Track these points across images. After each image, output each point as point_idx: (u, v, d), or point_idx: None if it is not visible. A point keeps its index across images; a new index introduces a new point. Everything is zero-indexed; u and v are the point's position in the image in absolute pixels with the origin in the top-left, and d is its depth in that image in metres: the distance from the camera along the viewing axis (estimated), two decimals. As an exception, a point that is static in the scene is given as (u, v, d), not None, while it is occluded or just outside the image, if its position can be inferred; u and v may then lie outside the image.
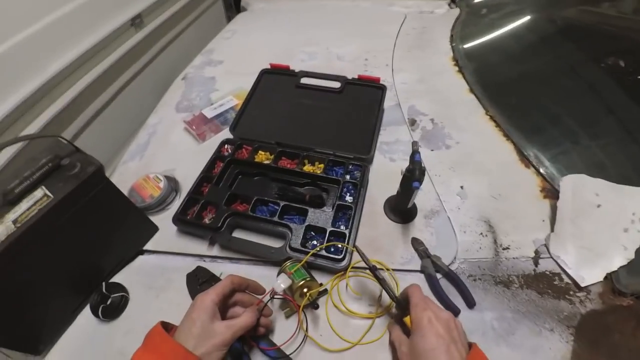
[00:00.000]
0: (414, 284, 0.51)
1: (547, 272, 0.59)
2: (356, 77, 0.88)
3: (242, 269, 0.62)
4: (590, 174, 0.65)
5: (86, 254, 0.57)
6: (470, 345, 0.44)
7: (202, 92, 1.02)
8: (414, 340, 0.44)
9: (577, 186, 0.64)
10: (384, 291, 0.56)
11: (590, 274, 0.57)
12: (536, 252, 0.62)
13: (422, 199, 0.70)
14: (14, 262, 0.45)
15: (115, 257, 0.62)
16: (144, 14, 1.27)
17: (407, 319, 0.47)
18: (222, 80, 1.07)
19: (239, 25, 1.38)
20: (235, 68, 1.12)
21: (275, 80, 0.93)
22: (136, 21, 1.24)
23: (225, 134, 0.87)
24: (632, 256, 0.56)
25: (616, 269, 0.56)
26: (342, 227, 0.64)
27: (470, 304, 0.55)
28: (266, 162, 0.75)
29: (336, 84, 0.88)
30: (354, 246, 0.58)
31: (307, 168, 0.75)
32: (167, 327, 0.45)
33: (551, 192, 0.69)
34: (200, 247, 0.65)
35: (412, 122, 0.87)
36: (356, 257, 0.59)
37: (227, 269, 0.62)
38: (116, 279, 0.61)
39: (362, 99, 0.86)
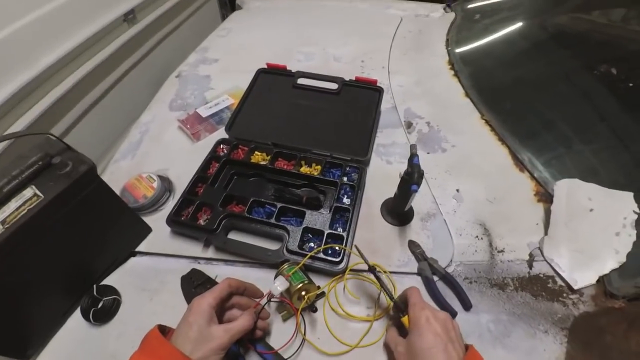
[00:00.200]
0: (413, 287, 0.51)
1: (541, 275, 0.60)
2: (353, 78, 0.88)
3: (238, 272, 0.61)
4: (583, 178, 0.66)
5: (77, 256, 0.55)
6: (467, 347, 0.45)
7: (197, 91, 1.01)
8: (412, 339, 0.44)
9: (570, 190, 0.65)
10: (382, 294, 0.56)
11: (583, 277, 0.58)
12: (530, 255, 0.63)
13: (418, 201, 0.70)
14: (2, 264, 0.43)
15: (107, 258, 0.61)
16: (137, 10, 1.24)
17: (404, 319, 0.48)
18: (217, 78, 1.05)
19: (234, 24, 1.36)
20: (230, 67, 1.10)
21: (272, 80, 0.92)
22: (129, 17, 1.21)
23: (221, 133, 0.85)
24: (624, 260, 0.57)
25: (608, 272, 0.57)
26: (340, 230, 0.63)
27: (467, 306, 0.56)
28: (262, 163, 0.75)
29: (333, 85, 0.88)
30: (354, 245, 0.58)
31: (304, 169, 0.75)
32: (163, 330, 0.45)
33: (545, 196, 0.70)
34: (194, 248, 0.64)
35: (409, 125, 0.87)
36: (353, 259, 0.59)
37: (222, 272, 0.61)
38: (108, 281, 0.60)
39: (359, 101, 0.86)
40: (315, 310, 0.53)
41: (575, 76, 0.87)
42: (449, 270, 0.61)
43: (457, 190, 0.72)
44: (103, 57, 1.11)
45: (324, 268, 0.58)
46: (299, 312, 0.52)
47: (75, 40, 1.01)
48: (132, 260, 0.64)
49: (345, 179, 0.72)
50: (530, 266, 0.61)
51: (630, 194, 0.63)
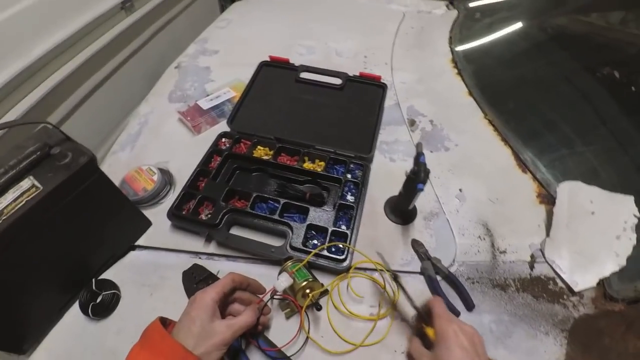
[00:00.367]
0: (437, 297, 0.51)
1: (542, 277, 0.61)
2: (357, 74, 0.87)
3: (240, 267, 0.61)
4: (585, 181, 0.67)
5: (75, 249, 0.54)
6: None
7: (197, 82, 0.99)
8: (438, 353, 0.43)
9: (572, 193, 0.66)
10: (385, 293, 0.56)
11: (583, 279, 0.58)
12: (532, 256, 0.63)
13: (421, 200, 0.69)
14: (-2, 257, 0.42)
15: (106, 252, 0.59)
16: (135, -3, 1.21)
17: (429, 331, 0.47)
18: (217, 70, 1.03)
19: (234, 15, 1.33)
20: (231, 58, 1.08)
21: (275, 74, 0.90)
22: (127, 4, 1.18)
23: (222, 126, 0.84)
24: (624, 263, 0.58)
25: (608, 275, 0.58)
26: (344, 227, 0.63)
27: (470, 306, 0.56)
28: (265, 157, 0.73)
29: (337, 81, 0.87)
30: (393, 275, 0.57)
31: (307, 165, 0.74)
32: (164, 322, 0.44)
33: (547, 198, 0.70)
34: (196, 243, 0.63)
35: (412, 123, 0.87)
36: (357, 257, 0.59)
37: (224, 267, 0.60)
38: (107, 275, 0.59)
39: (363, 97, 0.85)
40: (319, 308, 0.52)
41: (578, 78, 0.87)
42: (452, 269, 0.61)
43: (460, 190, 0.72)
44: (99, 45, 1.08)
45: (328, 266, 0.58)
46: (303, 310, 0.51)
47: (71, 28, 0.98)
48: (132, 254, 0.62)
49: (349, 175, 0.71)
50: (532, 267, 0.62)
51: (631, 198, 0.64)
